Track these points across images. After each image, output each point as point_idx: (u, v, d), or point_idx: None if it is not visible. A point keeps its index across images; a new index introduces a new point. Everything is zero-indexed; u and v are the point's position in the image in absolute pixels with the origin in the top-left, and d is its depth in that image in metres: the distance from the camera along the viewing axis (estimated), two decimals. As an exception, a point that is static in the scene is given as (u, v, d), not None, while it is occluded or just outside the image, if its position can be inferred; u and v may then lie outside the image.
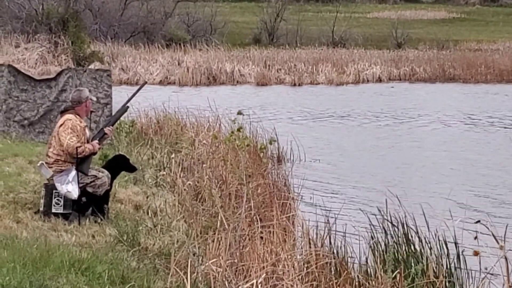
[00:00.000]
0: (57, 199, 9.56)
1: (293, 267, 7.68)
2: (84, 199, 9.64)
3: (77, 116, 9.78)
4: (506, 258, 6.65)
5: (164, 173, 12.56)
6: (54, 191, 9.56)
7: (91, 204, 9.71)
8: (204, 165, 12.68)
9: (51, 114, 15.69)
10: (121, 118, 12.71)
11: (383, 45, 56.71)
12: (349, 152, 19.83)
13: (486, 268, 7.72)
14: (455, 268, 8.10)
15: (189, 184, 11.55)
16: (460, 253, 8.13)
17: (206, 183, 11.55)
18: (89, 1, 53.48)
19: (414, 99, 33.84)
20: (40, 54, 39.94)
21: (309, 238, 8.51)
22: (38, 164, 9.86)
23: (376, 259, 8.04)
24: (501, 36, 65.28)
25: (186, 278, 6.88)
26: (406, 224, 8.45)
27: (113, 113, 13.12)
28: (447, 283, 7.75)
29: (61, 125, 9.67)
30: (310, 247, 8.30)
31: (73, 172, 9.52)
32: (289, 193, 12.13)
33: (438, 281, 7.56)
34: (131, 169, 10.45)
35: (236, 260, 7.88)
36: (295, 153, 17.47)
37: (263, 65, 42.19)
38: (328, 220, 9.01)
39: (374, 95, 35.25)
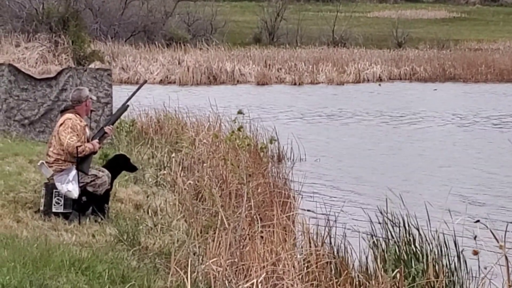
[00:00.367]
0: (58, 199, 9.56)
1: (294, 266, 7.68)
2: (84, 198, 9.65)
3: (77, 115, 9.78)
4: (506, 258, 6.65)
5: (165, 172, 12.56)
6: (54, 190, 9.56)
7: (91, 203, 9.71)
8: (204, 165, 12.68)
9: (51, 113, 15.69)
10: (121, 117, 12.73)
11: (384, 45, 56.73)
12: (349, 151, 19.83)
13: (486, 268, 7.73)
14: (455, 268, 8.10)
15: (190, 183, 11.55)
16: (460, 253, 8.13)
17: (206, 182, 11.55)
18: (90, 1, 53.53)
19: (414, 98, 33.83)
20: (41, 53, 39.97)
21: (309, 238, 8.51)
22: (39, 164, 9.86)
23: (376, 259, 8.04)
24: (502, 36, 65.31)
25: (186, 278, 6.88)
26: (406, 224, 8.45)
27: (113, 113, 13.12)
28: (447, 283, 7.75)
29: (61, 124, 9.67)
30: (310, 247, 8.30)
31: (74, 172, 9.51)
32: (290, 193, 12.12)
33: (438, 280, 7.56)
34: (132, 168, 10.45)
35: (236, 260, 7.88)
36: (295, 153, 17.47)
37: (264, 64, 42.21)
38: (328, 219, 9.01)
39: (374, 95, 35.24)
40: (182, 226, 9.66)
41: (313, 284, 7.64)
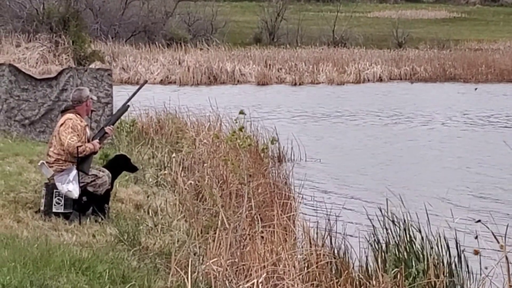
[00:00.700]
0: (58, 199, 9.56)
1: (294, 266, 7.68)
2: (84, 198, 9.64)
3: (77, 115, 9.78)
4: (506, 258, 6.65)
5: (165, 172, 12.56)
6: (54, 190, 9.56)
7: (91, 203, 9.71)
8: (205, 165, 12.67)
9: (52, 113, 15.69)
10: (122, 118, 12.72)
11: (384, 45, 56.74)
12: (350, 151, 19.83)
13: (486, 268, 7.73)
14: (456, 268, 8.10)
15: (190, 183, 11.54)
16: (461, 253, 8.13)
17: (207, 182, 11.54)
18: (90, 1, 53.54)
19: (414, 98, 33.83)
20: (41, 54, 39.97)
21: (310, 238, 8.51)
22: (39, 164, 9.86)
23: (376, 259, 8.04)
24: (502, 36, 65.30)
25: (187, 278, 6.87)
26: (407, 224, 8.45)
27: (114, 113, 13.12)
28: (447, 283, 7.75)
29: (61, 124, 9.67)
30: (310, 247, 8.30)
31: (74, 172, 9.51)
32: (290, 193, 12.12)
33: (438, 280, 7.55)
34: (132, 169, 10.45)
35: (236, 260, 7.88)
36: (295, 153, 17.47)
37: (264, 64, 42.21)
38: (328, 219, 9.01)
39: (374, 95, 35.24)
40: (182, 226, 9.66)
41: (313, 284, 7.64)
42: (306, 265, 7.89)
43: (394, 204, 9.00)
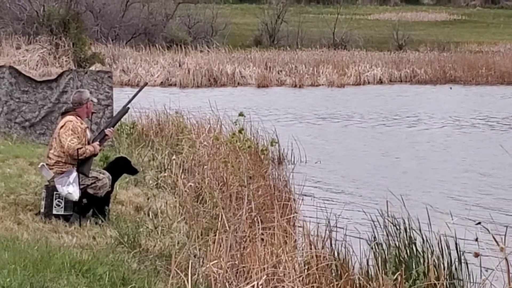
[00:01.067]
0: (58, 201, 9.56)
1: (294, 268, 7.68)
2: (85, 200, 9.65)
3: (78, 117, 9.79)
4: (507, 260, 6.64)
5: (165, 174, 12.56)
6: (55, 192, 9.56)
7: (92, 205, 9.71)
8: (205, 167, 12.68)
9: (52, 115, 15.69)
10: (122, 120, 12.71)
11: (384, 47, 56.75)
12: (350, 153, 19.83)
13: (487, 270, 7.72)
14: (456, 270, 8.10)
15: (190, 185, 11.55)
16: (461, 255, 8.12)
17: (207, 184, 11.55)
18: (90, 3, 53.55)
19: (414, 100, 33.84)
20: (41, 56, 39.96)
21: (310, 240, 8.51)
22: (39, 166, 9.87)
23: (377, 261, 8.04)
24: (502, 38, 65.31)
25: (187, 280, 6.87)
26: (407, 226, 8.45)
27: (114, 115, 13.12)
28: (448, 285, 7.75)
29: (61, 126, 9.67)
30: (310, 249, 8.29)
31: (74, 174, 9.52)
32: (290, 195, 12.13)
33: (439, 283, 7.55)
34: (133, 171, 10.45)
35: (236, 262, 7.88)
36: (295, 155, 17.47)
37: (264, 66, 42.22)
38: (328, 221, 9.00)
39: (374, 97, 35.24)
40: (182, 228, 9.66)
41: (313, 286, 7.64)
42: (306, 267, 7.89)
43: (394, 206, 9.00)
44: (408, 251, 8.20)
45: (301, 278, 7.58)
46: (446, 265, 8.03)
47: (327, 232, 8.68)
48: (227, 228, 8.62)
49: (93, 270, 7.22)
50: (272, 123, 21.91)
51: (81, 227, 9.37)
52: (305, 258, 8.12)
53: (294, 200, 11.92)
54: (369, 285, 7.51)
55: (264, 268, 7.59)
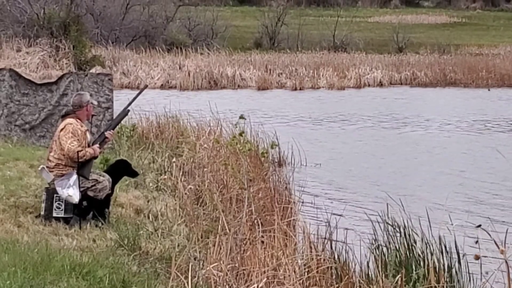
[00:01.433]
0: (58, 203, 9.56)
1: (294, 271, 7.67)
2: (85, 203, 9.65)
3: (78, 120, 9.79)
4: (507, 263, 6.64)
5: (165, 177, 12.56)
6: (55, 195, 9.56)
7: (92, 208, 9.71)
8: (205, 169, 12.67)
9: (52, 118, 15.69)
10: (122, 122, 12.72)
11: (384, 50, 56.78)
12: (350, 156, 19.82)
13: (487, 273, 7.72)
14: (457, 273, 8.09)
15: (190, 188, 11.55)
16: (461, 258, 8.12)
17: (207, 187, 11.54)
18: (91, 5, 53.58)
19: (414, 103, 33.84)
20: (42, 58, 39.99)
21: (310, 243, 8.50)
22: (39, 168, 9.87)
23: (377, 264, 8.03)
24: (502, 41, 65.34)
25: (187, 283, 6.87)
26: (407, 229, 8.45)
27: (114, 117, 13.12)
28: (448, 288, 7.75)
29: (62, 129, 9.67)
30: (311, 252, 8.28)
31: (74, 176, 9.52)
32: (290, 197, 12.11)
33: (439, 285, 7.55)
34: (133, 174, 10.45)
35: (237, 265, 7.87)
36: (296, 157, 17.46)
37: (264, 69, 42.23)
38: (329, 224, 9.00)
39: (375, 100, 35.25)
40: (182, 231, 9.65)
41: (314, 289, 7.63)
42: (307, 270, 7.88)
43: (395, 209, 9.00)
44: (408, 253, 8.20)
45: (301, 281, 7.58)
46: (446, 267, 8.02)
47: (327, 234, 8.68)
48: (227, 230, 8.62)
49: (93, 273, 7.22)
50: (272, 125, 21.91)
51: (81, 229, 9.37)
52: (305, 261, 8.11)
53: (294, 202, 11.90)
54: (370, 287, 7.50)
55: (264, 270, 7.59)
